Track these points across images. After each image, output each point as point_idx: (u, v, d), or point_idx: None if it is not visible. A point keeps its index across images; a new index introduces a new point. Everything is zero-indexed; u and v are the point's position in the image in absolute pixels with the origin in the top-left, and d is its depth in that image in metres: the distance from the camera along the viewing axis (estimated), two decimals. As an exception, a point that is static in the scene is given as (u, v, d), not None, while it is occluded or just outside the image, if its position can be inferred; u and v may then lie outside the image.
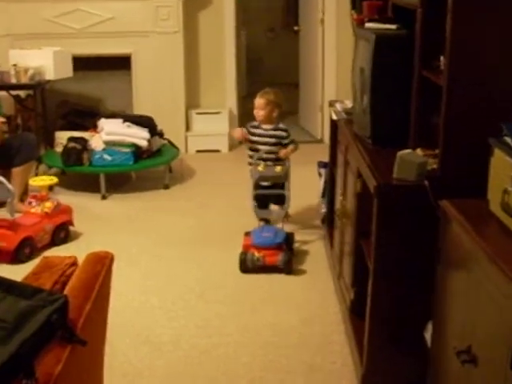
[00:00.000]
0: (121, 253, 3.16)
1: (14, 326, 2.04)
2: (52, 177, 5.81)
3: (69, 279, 2.57)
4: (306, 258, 5.21)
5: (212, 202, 6.42)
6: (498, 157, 2.60)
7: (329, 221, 5.22)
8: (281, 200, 5.28)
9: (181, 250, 5.36)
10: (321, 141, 8.62)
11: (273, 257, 4.89)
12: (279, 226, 5.22)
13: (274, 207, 5.47)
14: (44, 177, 5.91)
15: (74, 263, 2.74)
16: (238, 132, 5.52)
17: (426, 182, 3.19)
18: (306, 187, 6.07)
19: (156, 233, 5.69)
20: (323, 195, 5.48)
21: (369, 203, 3.46)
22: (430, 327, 3.14)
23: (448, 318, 2.87)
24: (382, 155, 3.63)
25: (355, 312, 3.88)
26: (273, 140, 5.32)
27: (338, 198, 4.63)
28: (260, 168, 5.16)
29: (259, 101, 5.37)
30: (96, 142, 6.66)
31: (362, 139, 3.98)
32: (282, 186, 5.25)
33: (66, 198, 6.09)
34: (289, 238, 5.17)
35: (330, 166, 5.28)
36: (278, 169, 5.19)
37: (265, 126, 5.35)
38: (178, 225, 5.87)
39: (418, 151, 3.44)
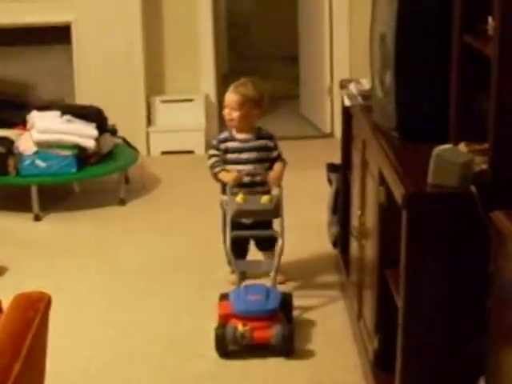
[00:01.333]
0: (61, 293, 3.13)
1: None
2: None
3: (-10, 331, 2.58)
4: (313, 329, 4.80)
5: (182, 223, 6.44)
6: None
7: (342, 243, 5.23)
8: (270, 243, 5.07)
9: (144, 289, 5.35)
10: (330, 135, 8.66)
11: (264, 331, 4.41)
12: (270, 283, 4.74)
13: (259, 254, 5.30)
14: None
15: (-2, 309, 2.75)
16: (235, 176, 4.94)
17: (473, 188, 3.21)
18: (310, 200, 6.09)
19: (108, 265, 5.69)
20: (334, 209, 5.48)
21: (397, 218, 3.48)
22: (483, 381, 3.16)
23: (507, 371, 2.89)
24: (412, 153, 3.66)
25: (380, 366, 3.88)
26: (255, 155, 5.04)
27: (355, 213, 4.64)
28: (238, 199, 4.78)
29: (231, 97, 4.98)
30: (25, 143, 6.66)
31: (385, 132, 3.99)
32: (268, 225, 5.10)
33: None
34: (286, 301, 4.69)
35: (342, 170, 5.29)
36: (265, 199, 4.83)
37: (241, 136, 5.06)
38: (137, 254, 5.88)
39: (462, 146, 3.45)
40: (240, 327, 4.37)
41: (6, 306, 2.74)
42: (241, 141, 5.02)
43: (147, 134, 8.30)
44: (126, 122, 7.60)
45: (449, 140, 3.53)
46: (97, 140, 6.76)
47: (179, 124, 8.33)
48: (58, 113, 6.82)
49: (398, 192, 3.38)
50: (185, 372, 4.26)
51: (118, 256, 5.84)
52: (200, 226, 6.27)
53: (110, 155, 6.99)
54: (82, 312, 5.00)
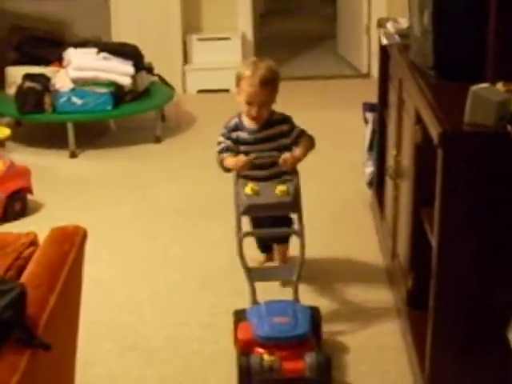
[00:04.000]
0: (96, 229, 3.16)
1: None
2: (3, 128, 5.84)
3: (27, 263, 2.61)
4: (349, 351, 4.08)
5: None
6: None
7: (378, 183, 5.24)
8: (284, 235, 4.57)
9: (177, 225, 5.41)
10: (367, 75, 8.65)
11: (296, 361, 3.69)
12: (292, 296, 4.05)
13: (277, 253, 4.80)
14: (-7, 128, 5.96)
15: (34, 242, 2.78)
16: (242, 161, 4.16)
17: (510, 128, 3.20)
18: (346, 140, 6.09)
19: (144, 203, 5.73)
20: (370, 148, 5.47)
21: (432, 157, 3.47)
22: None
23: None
24: (449, 92, 3.63)
25: (414, 305, 3.90)
26: (270, 145, 4.30)
27: (391, 152, 4.64)
28: (248, 190, 4.04)
29: (260, 93, 4.15)
30: (61, 80, 6.68)
31: (423, 70, 3.97)
32: (286, 221, 4.40)
33: (23, 156, 6.12)
34: (315, 319, 3.96)
35: (379, 109, 5.28)
36: (281, 189, 4.06)
37: (252, 126, 4.30)
38: (173, 192, 5.92)
39: (499, 86, 3.43)
40: (266, 357, 3.65)
41: (41, 240, 2.77)
42: (252, 131, 4.28)
43: (183, 73, 8.31)
44: (163, 60, 7.60)
45: (486, 79, 3.51)
46: (133, 77, 6.77)
47: (215, 62, 8.31)
48: (94, 50, 6.84)
49: (434, 130, 3.36)
50: (220, 308, 4.29)
51: (153, 193, 5.88)
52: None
53: (146, 93, 7.00)
54: (118, 248, 5.06)
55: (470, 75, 3.54)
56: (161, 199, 5.77)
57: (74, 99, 6.55)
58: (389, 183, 4.71)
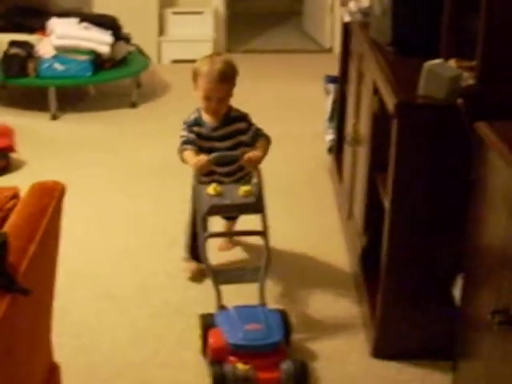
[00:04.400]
0: (74, 186, 3.17)
1: None
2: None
3: (8, 215, 2.60)
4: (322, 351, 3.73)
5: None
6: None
7: (337, 149, 5.26)
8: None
9: (149, 184, 5.42)
10: (330, 50, 8.66)
11: (272, 370, 3.35)
12: (259, 300, 3.69)
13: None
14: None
15: (15, 195, 2.77)
16: (202, 162, 3.79)
17: (460, 101, 3.22)
18: (308, 110, 6.09)
19: (119, 162, 5.73)
20: (331, 118, 5.49)
21: (387, 126, 3.49)
22: (459, 282, 3.20)
23: (483, 270, 2.92)
24: (405, 66, 3.66)
25: (367, 262, 3.94)
26: (229, 142, 4.01)
27: (350, 121, 4.66)
28: (210, 190, 3.69)
29: (219, 88, 3.89)
30: (44, 47, 6.65)
31: (381, 46, 4.00)
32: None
33: (7, 117, 6.10)
34: (286, 323, 3.61)
35: (340, 81, 5.29)
36: (245, 190, 3.72)
37: (210, 122, 3.99)
38: (146, 153, 5.91)
39: (451, 62, 3.45)
40: (241, 366, 3.31)
41: (23, 194, 2.76)
42: (211, 128, 3.97)
43: (159, 43, 8.29)
44: (140, 31, 7.58)
45: (440, 56, 3.52)
46: (112, 46, 6.75)
47: (189, 35, 8.31)
48: (76, 20, 6.82)
49: (390, 101, 3.39)
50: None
51: (129, 154, 5.87)
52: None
53: (123, 61, 6.98)
54: (94, 204, 5.06)
55: (426, 52, 3.57)
56: (136, 160, 5.77)
57: (56, 65, 6.53)
58: (347, 150, 4.73)
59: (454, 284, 3.26)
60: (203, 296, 4.04)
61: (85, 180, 5.32)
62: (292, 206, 5.05)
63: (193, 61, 7.97)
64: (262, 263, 3.69)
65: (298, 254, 4.48)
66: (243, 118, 4.00)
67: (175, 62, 8.25)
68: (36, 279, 2.48)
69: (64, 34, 6.61)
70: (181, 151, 3.87)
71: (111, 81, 6.95)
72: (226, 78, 3.89)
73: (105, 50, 6.67)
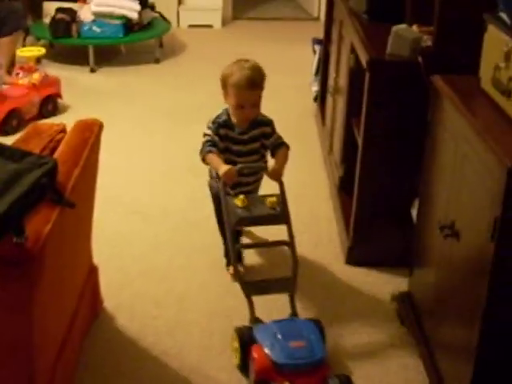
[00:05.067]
0: (110, 126, 3.20)
1: (3, 188, 2.11)
2: (40, 48, 5.81)
3: (58, 145, 2.64)
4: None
5: (204, 78, 6.40)
6: (492, 33, 2.63)
7: (321, 99, 5.26)
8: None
9: (171, 125, 5.41)
10: (317, 18, 8.56)
11: None
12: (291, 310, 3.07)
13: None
14: (32, 48, 5.91)
15: (63, 130, 2.81)
16: (231, 172, 3.13)
17: (420, 58, 3.23)
18: (298, 66, 6.08)
19: (146, 107, 5.71)
20: (316, 73, 5.49)
21: (361, 79, 3.50)
22: (416, 204, 3.23)
23: (434, 193, 2.96)
24: (377, 30, 3.64)
25: (344, 188, 3.96)
26: (254, 145, 3.36)
27: (332, 75, 4.66)
28: (238, 202, 3.11)
29: (251, 95, 3.24)
30: (85, 13, 6.61)
31: (358, 14, 3.98)
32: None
33: (54, 70, 6.08)
34: (322, 334, 2.96)
35: (324, 43, 5.28)
36: (272, 201, 3.13)
37: (241, 126, 3.32)
38: (169, 100, 5.89)
39: (414, 27, 3.45)
40: None
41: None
42: (240, 132, 3.31)
43: (178, 11, 8.19)
44: (162, 1, 7.52)
45: (405, 22, 3.52)
46: (139, 13, 6.70)
47: (202, 4, 8.19)
48: (111, -9, 6.76)
49: (364, 58, 3.41)
50: (203, 187, 4.21)
51: (153, 101, 5.85)
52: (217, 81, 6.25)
53: (149, 25, 6.92)
54: (127, 139, 5.07)
55: (394, 18, 3.55)
56: (159, 105, 5.75)
57: (95, 28, 6.50)
58: (329, 99, 4.73)
59: (412, 206, 3.29)
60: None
61: (118, 120, 5.31)
62: (283, 133, 5.02)
63: (205, 26, 8.06)
64: (292, 273, 3.08)
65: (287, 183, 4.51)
66: (269, 123, 3.35)
67: (191, 26, 8.16)
68: (79, 196, 2.53)
69: (101, 2, 6.54)
70: (205, 153, 3.20)
71: (139, 41, 6.89)
72: (256, 84, 3.22)
73: (134, 15, 6.62)
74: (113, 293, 3.32)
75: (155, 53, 6.88)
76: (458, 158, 2.65)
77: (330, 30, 5.03)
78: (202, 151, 3.23)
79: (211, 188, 3.49)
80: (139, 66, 6.72)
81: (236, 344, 2.94)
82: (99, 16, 6.53)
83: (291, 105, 5.76)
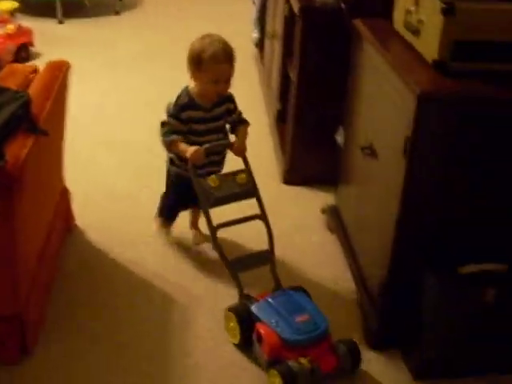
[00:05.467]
0: (77, 67, 3.15)
1: (-16, 118, 2.10)
2: (13, 2, 5.69)
3: (31, 83, 2.61)
4: None
5: (156, 28, 6.32)
6: (404, -19, 2.65)
7: (261, 44, 5.23)
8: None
9: (130, 66, 5.35)
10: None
11: (330, 356, 2.47)
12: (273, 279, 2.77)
13: None
14: (6, 2, 5.78)
15: (36, 70, 2.78)
16: (199, 153, 2.73)
17: (343, 5, 3.24)
18: (239, 17, 6.04)
19: (110, 53, 5.60)
20: (256, 21, 5.43)
21: (294, 25, 3.51)
22: (341, 130, 3.27)
23: (355, 121, 3.00)
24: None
25: (281, 119, 3.97)
26: (220, 123, 2.90)
27: (269, 23, 4.64)
28: (210, 182, 2.73)
29: (227, 68, 2.79)
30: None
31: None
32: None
33: (27, 22, 5.90)
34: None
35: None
36: (242, 178, 2.78)
37: (206, 103, 2.84)
38: (130, 46, 5.78)
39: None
40: (303, 361, 2.38)
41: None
42: (206, 109, 2.82)
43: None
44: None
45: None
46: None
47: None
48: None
49: (296, 6, 3.40)
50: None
51: (116, 47, 5.74)
52: (180, 27, 6.18)
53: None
54: (91, 82, 4.96)
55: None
56: (122, 50, 5.65)
57: (61, -16, 6.35)
58: (267, 43, 4.72)
59: (338, 132, 3.33)
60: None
61: (86, 63, 5.20)
62: None
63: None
64: (269, 246, 2.80)
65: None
66: (232, 98, 2.90)
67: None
68: (52, 126, 2.52)
69: (66, -39, 6.40)
70: (169, 142, 2.77)
71: (101, -4, 6.76)
72: (232, 57, 2.80)
73: (96, -27, 6.49)
74: (83, 212, 3.31)
75: (115, 6, 6.71)
76: (376, 90, 2.69)
77: (268, -16, 4.99)
78: (164, 141, 2.78)
79: (169, 172, 3.04)
80: (101, 18, 6.55)
81: (232, 323, 2.60)
82: (65, -26, 6.37)
83: (235, 49, 5.70)
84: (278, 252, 2.84)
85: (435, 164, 2.30)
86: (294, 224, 3.39)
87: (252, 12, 5.61)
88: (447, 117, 2.23)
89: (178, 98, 2.81)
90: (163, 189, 3.13)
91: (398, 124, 2.36)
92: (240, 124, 2.92)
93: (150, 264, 3.04)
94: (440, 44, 2.28)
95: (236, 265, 2.72)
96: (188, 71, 2.79)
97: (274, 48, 4.27)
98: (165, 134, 2.79)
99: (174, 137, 2.77)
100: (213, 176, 2.74)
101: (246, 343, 2.57)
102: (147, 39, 5.98)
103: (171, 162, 2.99)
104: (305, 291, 2.69)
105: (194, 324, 2.71)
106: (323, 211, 3.41)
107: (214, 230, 2.71)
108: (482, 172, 2.33)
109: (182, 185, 2.91)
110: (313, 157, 3.63)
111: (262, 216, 2.80)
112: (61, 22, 6.35)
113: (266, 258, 2.77)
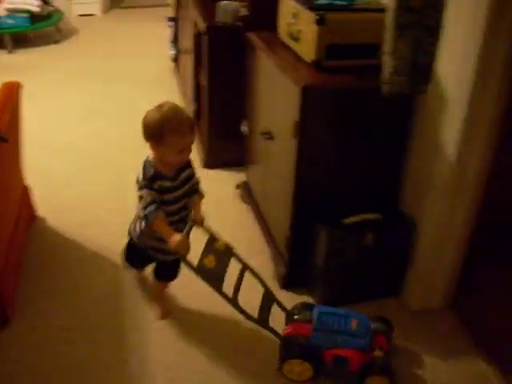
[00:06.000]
0: (27, 87, 3.07)
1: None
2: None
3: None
4: None
5: (91, 50, 6.22)
6: (284, 1, 2.70)
7: (176, 59, 5.20)
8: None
9: (71, 83, 5.23)
10: (168, 5, 8.33)
11: (379, 338, 2.26)
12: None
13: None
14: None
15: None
16: (184, 243, 2.13)
17: (239, 23, 3.27)
18: (157, 40, 6.02)
19: (56, 73, 5.47)
20: (172, 41, 5.41)
21: (201, 41, 3.51)
22: (245, 122, 3.29)
23: (255, 113, 3.05)
24: (209, 6, 3.60)
25: (197, 117, 3.95)
26: (185, 189, 2.28)
27: (182, 41, 4.62)
28: (207, 263, 2.18)
29: (191, 137, 2.17)
30: (1, 9, 6.22)
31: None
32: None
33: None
34: None
35: (175, 19, 5.20)
36: (221, 245, 2.29)
37: (171, 173, 2.22)
38: (73, 67, 5.65)
39: (236, 2, 3.46)
40: (379, 353, 2.19)
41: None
42: (172, 178, 2.21)
43: (70, 4, 7.75)
44: (56, -2, 7.15)
45: (228, -1, 3.53)
46: (40, 7, 6.36)
47: (87, -1, 7.83)
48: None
49: (202, 26, 3.40)
50: (98, 108, 4.04)
51: (62, 69, 5.59)
52: (109, 49, 6.08)
53: (48, 16, 6.55)
54: (38, 101, 4.81)
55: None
56: (67, 71, 5.52)
57: (9, 20, 6.11)
58: (182, 57, 4.70)
59: (243, 124, 3.35)
60: (111, 145, 4.03)
61: (32, 84, 5.06)
62: (149, 91, 4.96)
63: (90, 15, 7.68)
64: (265, 287, 2.38)
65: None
66: (191, 163, 2.29)
67: (80, 15, 7.80)
68: (11, 134, 2.48)
69: (12, 1, 6.19)
70: (153, 218, 2.12)
71: (42, 28, 6.50)
72: (193, 123, 2.19)
73: (36, 9, 6.29)
74: (42, 204, 3.26)
75: (55, 36, 6.56)
76: (269, 87, 2.74)
77: (179, 10, 4.96)
78: (147, 215, 2.13)
79: (137, 241, 2.36)
80: (44, 47, 6.39)
81: (298, 368, 2.21)
82: (11, 11, 6.16)
83: (155, 64, 5.68)
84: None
85: (319, 141, 2.37)
86: (216, 199, 3.41)
87: (168, 33, 5.59)
88: (325, 103, 2.30)
89: (144, 171, 2.17)
90: (109, 177, 3.07)
91: (288, 112, 2.42)
92: (194, 194, 2.30)
93: (102, 241, 3.01)
94: (316, 47, 2.35)
95: (265, 321, 2.27)
96: (146, 142, 2.17)
97: (187, 61, 4.26)
98: (148, 206, 2.12)
99: (159, 213, 2.12)
100: (211, 257, 2.19)
101: (319, 373, 2.23)
102: (82, 61, 5.87)
103: (134, 232, 2.35)
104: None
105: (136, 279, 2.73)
106: (237, 187, 3.45)
107: (235, 301, 2.18)
108: (352, 145, 2.43)
109: (140, 252, 2.39)
110: (225, 145, 3.65)
111: (247, 267, 2.33)
112: (10, 52, 6.16)
113: (270, 299, 2.37)
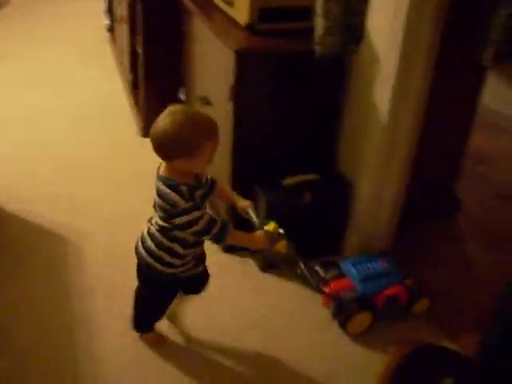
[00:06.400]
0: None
1: None
2: None
3: None
4: None
5: (28, 21, 5.96)
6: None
7: (111, 28, 5.10)
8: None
9: (5, 55, 5.02)
10: None
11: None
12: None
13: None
14: None
15: None
16: (265, 239, 1.88)
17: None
18: (95, 11, 5.92)
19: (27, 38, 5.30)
20: (106, 12, 5.29)
21: (136, 10, 3.46)
22: (182, 89, 3.30)
23: (192, 79, 3.05)
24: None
25: (134, 87, 3.88)
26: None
27: (117, 10, 4.53)
28: (281, 248, 1.92)
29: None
30: None
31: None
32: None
33: None
34: None
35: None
36: (273, 225, 1.94)
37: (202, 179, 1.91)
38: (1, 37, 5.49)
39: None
40: (409, 281, 2.35)
41: None
42: (199, 183, 1.88)
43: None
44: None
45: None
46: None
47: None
48: None
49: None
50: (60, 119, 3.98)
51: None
52: (43, 28, 5.88)
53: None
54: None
55: None
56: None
57: None
58: (117, 27, 4.61)
59: (180, 90, 3.32)
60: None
61: None
62: (84, 61, 4.85)
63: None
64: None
65: (92, 92, 4.41)
66: None
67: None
68: None
69: None
70: (225, 235, 1.82)
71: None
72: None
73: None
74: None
75: None
76: (205, 52, 2.75)
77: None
78: (217, 234, 1.81)
79: (159, 276, 1.94)
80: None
81: (364, 319, 2.25)
82: None
83: (91, 35, 5.54)
84: (146, 193, 2.85)
85: (254, 104, 2.40)
86: (155, 166, 3.39)
87: (102, 4, 5.47)
88: (259, 66, 2.33)
89: (177, 194, 1.78)
90: (73, 173, 2.99)
91: (223, 76, 2.43)
92: (214, 185, 1.97)
93: (56, 219, 2.92)
94: (249, 11, 2.36)
95: (324, 279, 2.30)
96: (171, 161, 1.81)
97: (123, 30, 4.19)
98: (210, 226, 1.80)
99: (226, 226, 1.82)
100: (284, 241, 1.91)
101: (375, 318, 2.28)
102: (14, 31, 5.63)
103: (162, 262, 1.91)
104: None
105: (82, 252, 2.72)
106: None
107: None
108: (288, 107, 2.46)
109: (178, 287, 2.06)
110: (162, 111, 3.61)
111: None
112: None
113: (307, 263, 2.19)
